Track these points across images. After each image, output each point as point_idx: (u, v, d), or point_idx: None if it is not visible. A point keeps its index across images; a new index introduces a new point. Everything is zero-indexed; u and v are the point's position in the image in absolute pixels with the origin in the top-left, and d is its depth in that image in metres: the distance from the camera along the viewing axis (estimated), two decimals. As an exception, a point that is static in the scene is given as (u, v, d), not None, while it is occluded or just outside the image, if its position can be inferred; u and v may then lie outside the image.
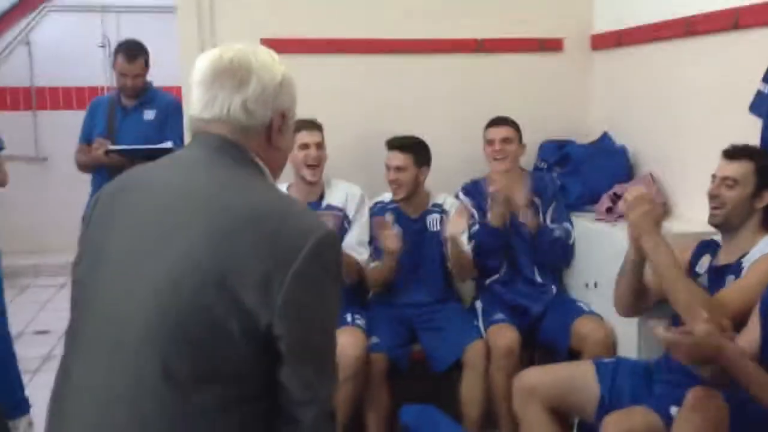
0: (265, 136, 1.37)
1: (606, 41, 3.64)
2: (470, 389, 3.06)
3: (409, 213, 3.31)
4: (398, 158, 3.21)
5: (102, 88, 6.24)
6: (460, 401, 3.09)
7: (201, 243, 1.22)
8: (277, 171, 1.44)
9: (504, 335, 3.06)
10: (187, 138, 3.04)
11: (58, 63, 6.46)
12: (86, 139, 3.96)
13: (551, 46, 3.73)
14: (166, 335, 1.21)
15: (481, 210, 3.32)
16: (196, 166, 1.34)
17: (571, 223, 3.31)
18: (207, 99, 1.34)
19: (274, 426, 1.29)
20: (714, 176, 2.42)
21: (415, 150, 3.24)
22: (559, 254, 3.30)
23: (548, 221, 3.30)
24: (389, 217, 3.24)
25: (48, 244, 6.22)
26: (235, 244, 1.21)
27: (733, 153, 2.39)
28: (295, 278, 1.21)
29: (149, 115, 3.85)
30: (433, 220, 3.30)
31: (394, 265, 3.17)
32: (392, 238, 3.09)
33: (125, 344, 1.24)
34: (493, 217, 3.18)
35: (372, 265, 3.25)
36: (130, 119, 3.83)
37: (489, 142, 3.32)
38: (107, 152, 3.69)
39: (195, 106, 1.37)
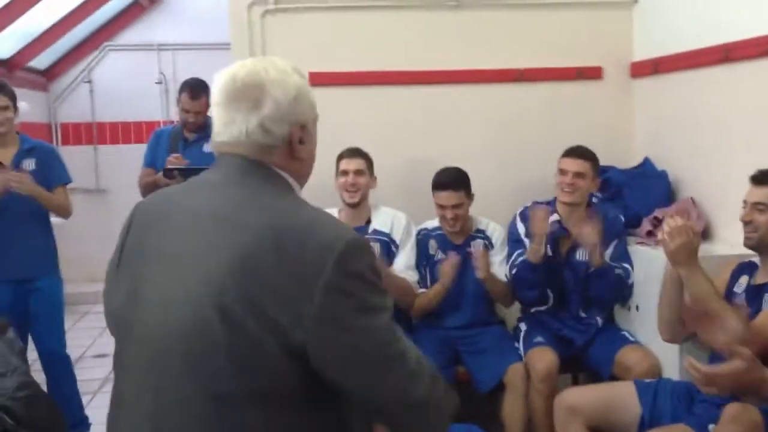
0: (286, 150, 1.36)
1: (645, 69, 3.71)
2: (511, 410, 3.11)
3: (453, 240, 3.39)
4: (454, 197, 3.26)
5: (159, 123, 6.49)
6: (502, 421, 3.14)
7: (229, 265, 1.22)
8: (303, 179, 1.43)
9: (542, 358, 3.09)
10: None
11: (117, 99, 6.74)
12: (150, 164, 4.08)
13: (591, 74, 3.81)
14: (209, 357, 1.22)
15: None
16: (221, 189, 1.34)
17: (632, 264, 3.22)
18: (225, 121, 1.35)
19: None
20: (745, 202, 2.46)
21: (465, 184, 3.30)
22: (617, 293, 3.24)
23: (608, 259, 3.20)
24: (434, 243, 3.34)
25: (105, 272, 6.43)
26: (261, 263, 1.21)
27: (761, 178, 2.43)
28: (326, 292, 1.20)
29: (209, 147, 3.99)
30: (476, 246, 3.36)
31: (441, 297, 3.26)
32: (448, 275, 3.20)
33: (169, 367, 1.26)
34: (530, 253, 3.18)
35: (419, 291, 3.34)
36: (190, 150, 3.98)
37: (561, 172, 3.23)
38: (169, 170, 3.74)
39: (215, 128, 1.37)
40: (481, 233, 3.40)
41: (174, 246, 1.31)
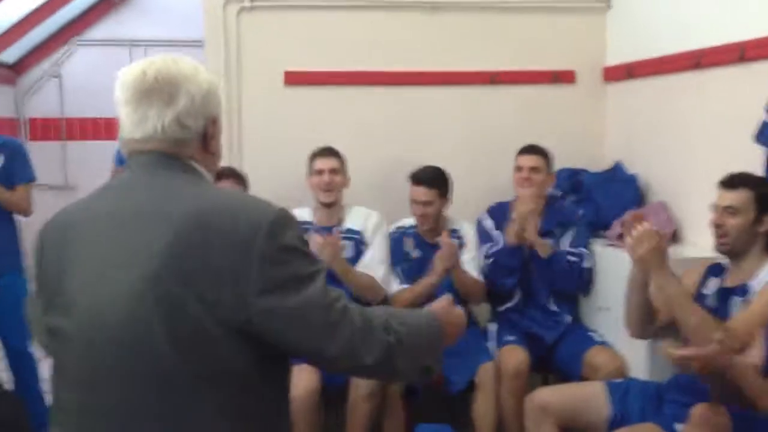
0: (200, 144, 1.36)
1: (618, 73, 3.75)
2: (482, 410, 3.12)
3: (428, 238, 3.40)
4: (425, 193, 3.30)
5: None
6: (473, 422, 3.15)
7: (160, 255, 1.22)
8: (214, 173, 1.44)
9: (514, 356, 3.12)
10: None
11: (87, 95, 6.63)
12: (120, 162, 4.06)
13: (564, 78, 3.85)
14: (151, 346, 1.22)
15: (503, 231, 3.36)
16: (137, 185, 1.33)
17: (588, 249, 3.31)
18: (137, 119, 1.32)
19: (280, 409, 1.36)
20: (715, 206, 2.49)
21: (440, 184, 3.34)
22: (574, 279, 3.30)
23: (564, 245, 3.31)
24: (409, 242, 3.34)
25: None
26: (194, 248, 1.22)
27: (731, 182, 2.46)
28: (262, 267, 1.22)
29: None
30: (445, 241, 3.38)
31: (429, 291, 3.24)
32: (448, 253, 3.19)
33: (114, 365, 1.25)
34: (509, 235, 3.25)
35: (398, 287, 3.34)
36: None
37: (518, 169, 3.35)
38: None
39: (125, 126, 1.34)
40: (455, 233, 3.41)
41: (95, 250, 1.30)
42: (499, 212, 3.44)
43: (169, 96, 1.31)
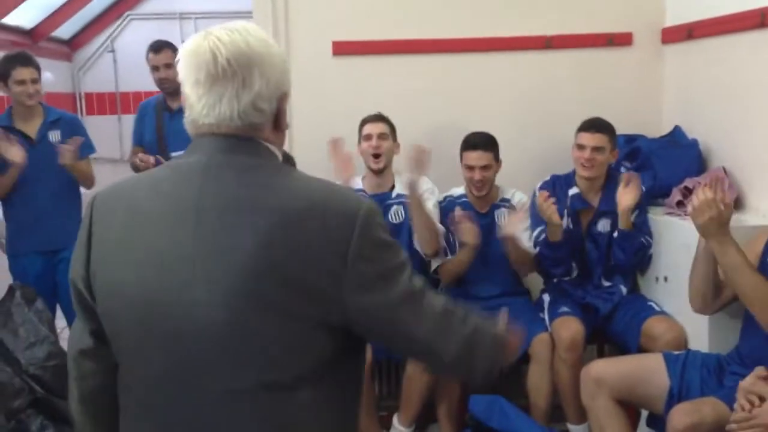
0: (272, 123, 1.30)
1: (677, 35, 3.61)
2: (536, 380, 3.10)
3: (478, 207, 3.36)
4: (483, 158, 3.25)
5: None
6: (527, 392, 3.13)
7: (254, 255, 1.17)
8: (282, 148, 1.38)
9: (568, 327, 3.08)
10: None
11: (140, 69, 6.69)
12: (138, 142, 4.10)
13: (621, 40, 3.72)
14: (254, 349, 1.19)
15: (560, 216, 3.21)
16: (221, 174, 1.24)
17: (651, 236, 3.20)
18: (211, 102, 1.24)
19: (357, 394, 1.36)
20: None
21: (495, 148, 3.29)
22: (639, 260, 3.23)
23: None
24: (459, 210, 3.28)
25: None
26: (288, 248, 1.18)
27: None
28: (355, 263, 1.20)
29: None
30: (501, 215, 3.34)
31: (471, 258, 3.22)
32: (472, 231, 3.15)
33: (208, 368, 1.21)
34: (549, 233, 3.13)
35: (447, 258, 3.31)
36: (177, 121, 3.95)
37: (579, 147, 3.19)
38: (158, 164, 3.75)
39: (195, 108, 1.26)
40: (506, 202, 3.37)
41: (180, 246, 1.21)
42: (553, 188, 3.29)
43: (243, 80, 1.23)
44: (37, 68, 3.45)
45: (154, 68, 3.93)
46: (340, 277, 1.19)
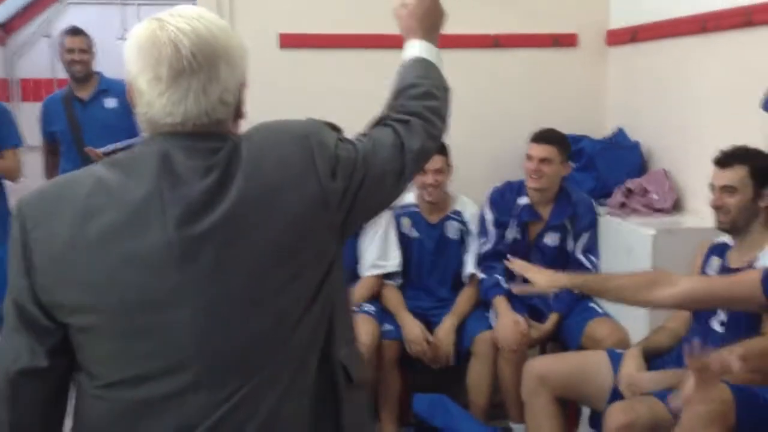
0: (234, 113, 1.25)
1: (621, 37, 3.66)
2: (477, 378, 3.10)
3: (428, 217, 3.30)
4: (437, 161, 3.12)
5: (122, 81, 6.32)
6: (467, 390, 3.13)
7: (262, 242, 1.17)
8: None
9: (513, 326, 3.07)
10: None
11: (78, 55, 6.51)
12: (50, 139, 4.00)
13: (566, 41, 3.75)
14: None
15: (503, 226, 3.24)
16: (192, 175, 1.16)
17: (598, 257, 3.21)
18: (174, 99, 1.16)
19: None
20: (712, 185, 2.43)
21: (446, 152, 3.17)
22: None
23: (577, 251, 3.21)
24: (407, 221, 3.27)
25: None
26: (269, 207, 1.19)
27: (724, 160, 2.39)
28: (325, 168, 1.24)
29: (111, 103, 3.89)
30: (452, 228, 3.29)
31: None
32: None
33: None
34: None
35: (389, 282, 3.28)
36: (90, 111, 3.87)
37: (528, 157, 3.16)
38: (105, 154, 3.64)
39: (154, 106, 1.17)
40: (458, 215, 3.31)
41: (156, 248, 1.14)
42: (502, 200, 3.28)
43: (209, 74, 1.16)
44: None
45: (69, 50, 3.86)
46: (315, 182, 1.22)
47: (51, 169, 4.07)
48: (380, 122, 1.42)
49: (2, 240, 3.39)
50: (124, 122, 3.77)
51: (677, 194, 3.21)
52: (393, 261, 3.25)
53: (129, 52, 1.19)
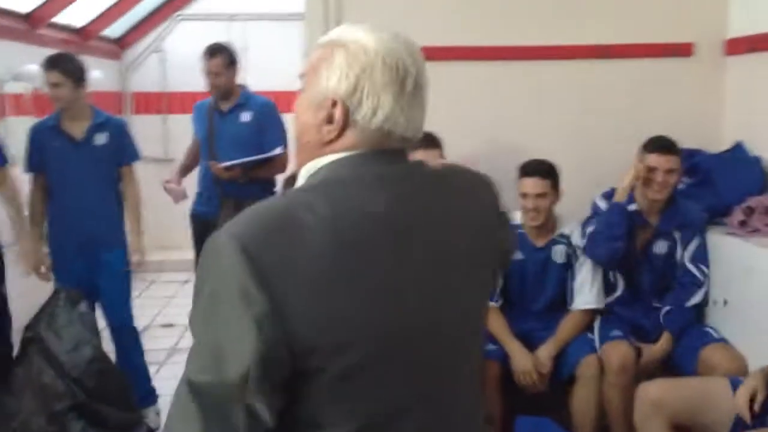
0: None
1: (740, 46, 3.47)
2: (582, 402, 2.98)
3: (534, 240, 3.18)
4: (536, 185, 3.05)
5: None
6: (572, 415, 3.02)
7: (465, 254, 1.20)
8: None
9: (618, 351, 2.95)
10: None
11: (187, 69, 6.73)
12: (197, 137, 4.17)
13: (681, 51, 3.59)
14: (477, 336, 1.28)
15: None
16: (421, 187, 1.17)
17: (708, 265, 3.08)
18: (413, 116, 1.14)
19: None
20: None
21: (553, 175, 3.09)
22: (690, 295, 3.09)
23: (686, 259, 3.09)
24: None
25: (173, 240, 6.54)
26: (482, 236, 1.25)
27: None
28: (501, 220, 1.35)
29: (245, 117, 3.96)
30: (558, 252, 3.17)
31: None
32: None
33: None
34: (618, 194, 3.04)
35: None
36: (225, 122, 3.95)
37: (650, 169, 3.02)
38: (226, 168, 3.77)
39: (398, 121, 1.13)
40: (565, 238, 3.17)
41: (405, 267, 1.10)
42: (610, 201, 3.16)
43: (424, 94, 1.17)
44: (64, 72, 3.36)
45: (207, 73, 3.92)
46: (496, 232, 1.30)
47: (182, 170, 4.28)
48: None
49: (117, 244, 3.55)
50: (255, 138, 3.88)
51: (804, 213, 3.01)
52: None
53: (374, 64, 1.12)
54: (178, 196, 4.15)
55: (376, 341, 1.06)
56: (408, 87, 1.12)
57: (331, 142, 1.14)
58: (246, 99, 3.98)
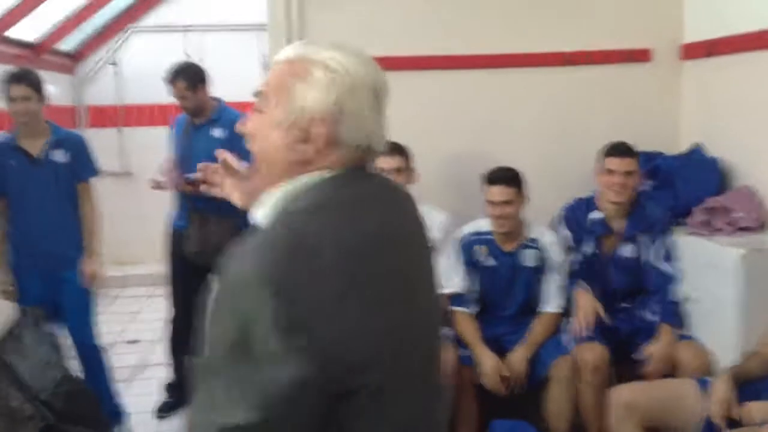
0: None
1: (697, 51, 3.56)
2: (556, 404, 3.02)
3: (503, 246, 3.22)
4: (504, 192, 3.08)
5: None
6: (546, 417, 3.05)
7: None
8: None
9: (592, 352, 2.99)
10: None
11: (142, 82, 6.66)
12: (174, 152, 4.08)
13: (639, 57, 3.67)
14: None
15: (580, 241, 3.20)
16: (393, 205, 1.22)
17: (678, 259, 3.13)
18: (381, 129, 1.16)
19: None
20: None
21: (518, 183, 3.12)
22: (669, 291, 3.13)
23: (655, 258, 3.15)
24: (483, 249, 3.21)
25: (133, 255, 6.44)
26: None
27: None
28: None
29: (217, 132, 3.89)
30: (528, 256, 3.20)
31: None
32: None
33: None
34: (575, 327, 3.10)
35: (461, 309, 3.21)
36: (198, 135, 3.89)
37: (608, 172, 3.11)
38: (188, 182, 3.67)
39: (375, 136, 1.14)
40: (534, 242, 3.20)
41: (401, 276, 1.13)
42: (574, 217, 3.23)
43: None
44: (31, 85, 3.28)
45: (175, 96, 3.84)
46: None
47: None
48: None
49: (78, 263, 3.45)
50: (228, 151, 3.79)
51: (766, 212, 3.09)
52: (456, 283, 3.20)
53: (356, 79, 1.12)
54: (174, 181, 3.94)
55: (393, 357, 1.06)
56: (382, 103, 1.14)
57: (307, 161, 1.12)
58: (219, 114, 3.91)
